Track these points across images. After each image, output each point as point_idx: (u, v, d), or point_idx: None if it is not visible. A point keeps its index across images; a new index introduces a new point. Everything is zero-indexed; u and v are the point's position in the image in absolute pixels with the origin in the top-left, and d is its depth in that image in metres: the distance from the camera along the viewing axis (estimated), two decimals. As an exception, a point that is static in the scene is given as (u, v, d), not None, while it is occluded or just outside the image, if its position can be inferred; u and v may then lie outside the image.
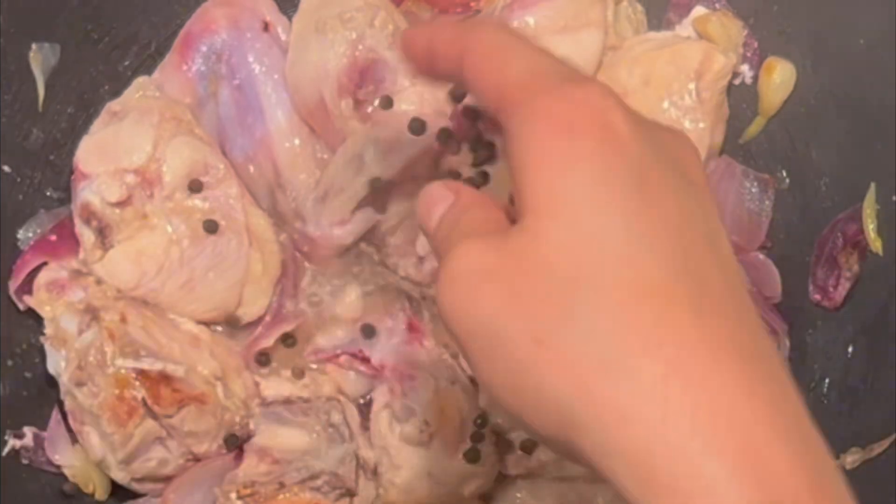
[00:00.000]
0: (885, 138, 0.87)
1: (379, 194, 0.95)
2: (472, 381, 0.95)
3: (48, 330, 0.91)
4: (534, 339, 0.45)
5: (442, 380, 0.92)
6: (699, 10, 1.01)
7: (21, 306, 0.92)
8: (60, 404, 0.92)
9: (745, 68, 0.99)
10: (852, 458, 0.86)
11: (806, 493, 0.42)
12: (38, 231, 0.94)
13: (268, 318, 0.97)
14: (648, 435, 0.42)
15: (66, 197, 0.95)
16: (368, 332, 0.95)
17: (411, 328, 0.96)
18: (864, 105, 0.89)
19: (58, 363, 0.90)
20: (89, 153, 0.93)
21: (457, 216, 0.52)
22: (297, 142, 0.98)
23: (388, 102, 0.95)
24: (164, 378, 0.88)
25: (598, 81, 0.49)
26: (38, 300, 0.91)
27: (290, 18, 1.00)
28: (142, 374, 0.87)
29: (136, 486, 0.92)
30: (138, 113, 0.94)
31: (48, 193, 0.96)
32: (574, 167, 0.45)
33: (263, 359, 0.96)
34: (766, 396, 0.44)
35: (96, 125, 0.96)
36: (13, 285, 0.92)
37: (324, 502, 0.91)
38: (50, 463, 0.92)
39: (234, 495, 0.89)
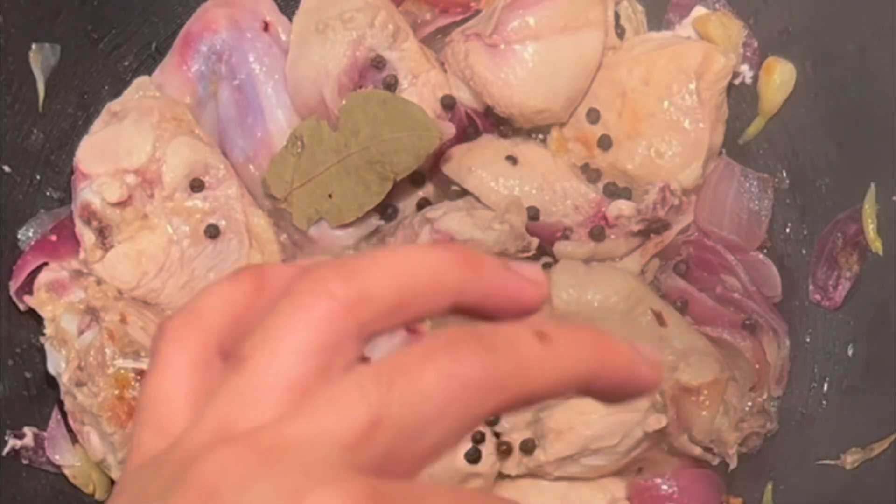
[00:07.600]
0: (885, 138, 0.86)
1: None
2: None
3: (48, 330, 0.91)
4: None
5: (442, 380, 0.92)
6: (699, 11, 1.01)
7: (21, 306, 0.92)
8: (60, 404, 0.92)
9: (745, 68, 0.99)
10: (852, 458, 0.85)
11: None
12: (39, 231, 0.94)
13: (268, 319, 0.97)
14: None
15: (67, 197, 0.95)
16: None
17: (411, 329, 0.95)
18: (864, 105, 0.89)
19: (58, 363, 0.90)
20: (89, 153, 0.93)
21: None
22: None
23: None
24: (165, 378, 0.88)
25: None
26: (38, 300, 0.91)
27: (290, 18, 1.00)
28: (142, 374, 0.87)
29: (136, 487, 0.92)
30: (138, 113, 0.94)
31: (48, 193, 0.96)
32: None
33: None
34: None
35: (96, 125, 0.96)
36: (14, 285, 0.92)
37: (324, 502, 0.91)
38: (50, 463, 0.92)
39: (234, 495, 0.89)
